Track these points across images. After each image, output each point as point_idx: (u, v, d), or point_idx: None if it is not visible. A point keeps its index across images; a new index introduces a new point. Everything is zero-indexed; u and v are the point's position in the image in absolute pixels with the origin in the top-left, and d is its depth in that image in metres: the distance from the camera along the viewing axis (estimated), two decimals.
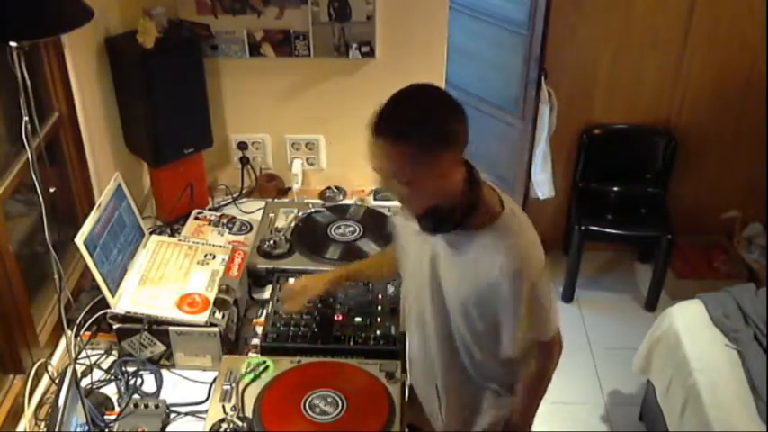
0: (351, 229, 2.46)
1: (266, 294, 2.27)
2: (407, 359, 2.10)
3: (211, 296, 2.09)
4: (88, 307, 2.10)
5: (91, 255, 1.98)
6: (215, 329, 2.02)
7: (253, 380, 1.91)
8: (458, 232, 1.72)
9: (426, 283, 1.82)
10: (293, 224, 2.46)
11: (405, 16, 2.58)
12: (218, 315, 2.04)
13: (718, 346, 2.84)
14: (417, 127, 1.60)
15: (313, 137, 2.81)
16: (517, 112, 3.56)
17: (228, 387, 1.88)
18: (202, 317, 2.03)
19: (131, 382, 2.00)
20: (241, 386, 1.89)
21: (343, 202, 2.73)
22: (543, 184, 3.69)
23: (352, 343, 2.03)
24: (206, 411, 1.87)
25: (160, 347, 2.04)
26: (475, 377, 1.93)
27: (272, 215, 2.53)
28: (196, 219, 2.58)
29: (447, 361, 1.92)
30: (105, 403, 1.94)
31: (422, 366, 2.02)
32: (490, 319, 1.77)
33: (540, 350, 1.85)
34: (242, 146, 2.82)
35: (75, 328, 2.07)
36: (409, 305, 2.01)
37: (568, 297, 3.95)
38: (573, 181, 4.02)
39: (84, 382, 1.98)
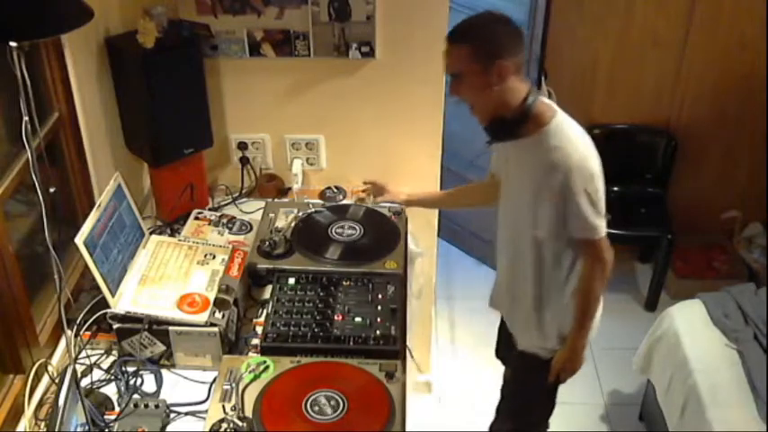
0: (351, 229, 2.46)
1: (266, 294, 2.26)
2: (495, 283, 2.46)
3: (211, 296, 2.09)
4: (88, 307, 2.10)
5: (91, 255, 1.98)
6: (215, 329, 2.02)
7: (253, 380, 1.91)
8: (514, 143, 2.09)
9: (507, 194, 2.23)
10: (293, 224, 2.45)
11: (405, 16, 2.58)
12: (218, 315, 2.05)
13: (718, 346, 2.84)
14: (472, 34, 2.01)
15: (313, 137, 2.81)
16: None
17: (228, 387, 1.87)
18: (202, 317, 2.03)
19: (131, 382, 2.00)
20: (241, 386, 1.89)
21: (343, 202, 2.73)
22: None
23: (352, 343, 2.03)
24: (206, 411, 1.86)
25: (160, 347, 2.04)
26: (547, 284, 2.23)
27: (272, 215, 2.53)
28: (196, 219, 2.58)
29: (526, 268, 2.22)
30: (105, 403, 1.93)
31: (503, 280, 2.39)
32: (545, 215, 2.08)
33: (583, 249, 2.12)
34: (242, 146, 2.82)
35: (75, 328, 2.07)
36: (501, 220, 2.33)
37: None
38: None
39: (84, 382, 1.98)
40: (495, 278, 2.48)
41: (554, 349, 2.32)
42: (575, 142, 2.04)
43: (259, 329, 2.14)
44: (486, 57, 1.99)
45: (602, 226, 2.06)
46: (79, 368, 2.00)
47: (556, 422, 2.77)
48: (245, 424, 1.78)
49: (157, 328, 2.02)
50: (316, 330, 2.06)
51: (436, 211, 2.98)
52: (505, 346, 2.57)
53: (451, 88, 2.09)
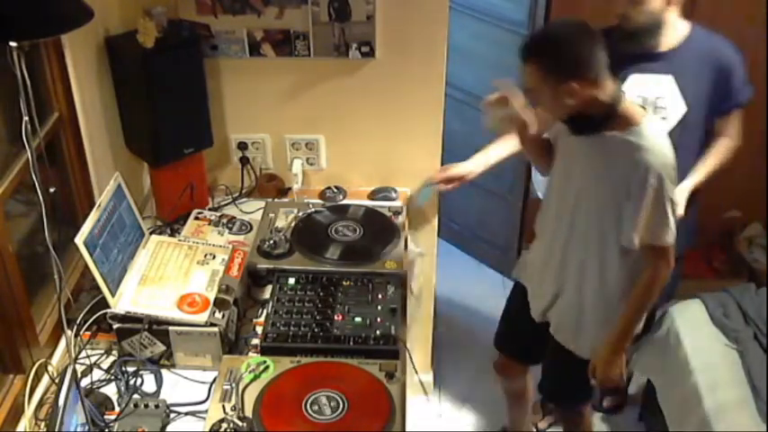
0: (351, 229, 2.46)
1: (266, 294, 2.26)
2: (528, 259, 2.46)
3: (211, 296, 2.09)
4: (88, 307, 2.10)
5: (91, 255, 1.98)
6: (215, 329, 2.02)
7: (253, 380, 1.91)
8: (596, 137, 2.04)
9: (572, 183, 2.16)
10: (293, 224, 2.46)
11: (405, 16, 2.57)
12: (218, 315, 2.05)
13: (718, 345, 2.84)
14: (544, 50, 1.99)
15: (313, 137, 2.81)
16: None
17: (228, 387, 1.88)
18: (202, 317, 2.03)
19: (131, 382, 2.01)
20: (241, 386, 1.89)
21: (343, 202, 2.73)
22: (543, 184, 3.68)
23: (352, 343, 2.03)
24: (206, 411, 1.87)
25: (160, 347, 2.04)
26: (604, 280, 2.20)
27: (272, 215, 2.53)
28: (196, 219, 2.58)
29: (581, 260, 2.20)
30: (105, 403, 1.94)
31: (545, 264, 2.33)
32: (619, 214, 2.06)
33: (653, 254, 2.10)
34: (242, 146, 2.82)
35: (75, 328, 2.07)
36: (548, 203, 2.33)
37: None
38: None
39: (84, 382, 1.98)
40: (529, 257, 2.48)
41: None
42: (663, 146, 2.02)
43: (259, 329, 2.14)
44: (557, 76, 1.95)
45: (670, 235, 2.07)
46: (79, 368, 2.00)
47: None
48: (245, 424, 1.78)
49: (157, 328, 2.02)
50: (316, 330, 2.06)
51: (436, 211, 2.98)
52: (518, 338, 2.62)
53: (527, 98, 2.08)
